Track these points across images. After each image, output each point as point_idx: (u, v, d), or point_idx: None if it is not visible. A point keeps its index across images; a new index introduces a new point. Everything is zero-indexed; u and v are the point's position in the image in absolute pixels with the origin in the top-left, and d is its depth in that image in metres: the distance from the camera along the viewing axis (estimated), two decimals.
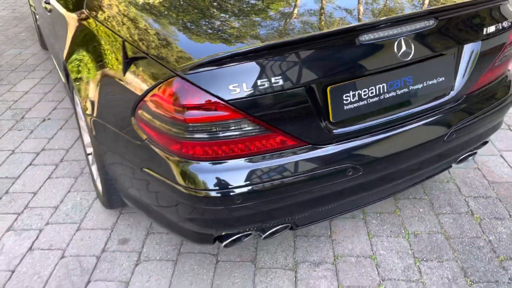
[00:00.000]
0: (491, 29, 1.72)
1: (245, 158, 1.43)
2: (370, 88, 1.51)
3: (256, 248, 2.03)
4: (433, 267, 1.90)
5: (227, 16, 1.60)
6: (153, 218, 1.73)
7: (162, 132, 1.42)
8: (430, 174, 1.88)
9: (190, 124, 1.35)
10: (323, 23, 1.52)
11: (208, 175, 1.41)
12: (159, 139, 1.45)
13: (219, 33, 1.47)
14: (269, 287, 1.84)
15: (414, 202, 2.28)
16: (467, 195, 2.31)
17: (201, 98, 1.33)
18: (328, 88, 1.45)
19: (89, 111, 1.76)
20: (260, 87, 1.35)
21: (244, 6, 1.69)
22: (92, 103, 1.73)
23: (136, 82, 1.48)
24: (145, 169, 1.54)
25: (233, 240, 1.60)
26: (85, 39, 1.80)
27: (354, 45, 1.44)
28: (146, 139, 1.50)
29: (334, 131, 1.50)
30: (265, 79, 1.35)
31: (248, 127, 1.39)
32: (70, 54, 1.92)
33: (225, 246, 1.60)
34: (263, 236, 1.61)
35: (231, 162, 1.42)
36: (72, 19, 2.00)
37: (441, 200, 2.29)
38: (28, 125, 3.10)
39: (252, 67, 1.34)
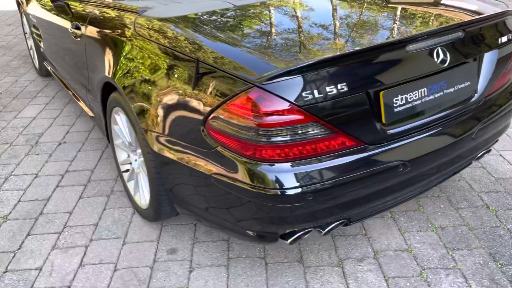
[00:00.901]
0: (504, 39, 1.96)
1: (313, 159, 1.58)
2: (414, 92, 1.71)
3: (300, 249, 2.16)
4: (464, 254, 2.09)
5: (290, 30, 1.77)
6: (212, 223, 1.83)
7: (237, 138, 1.56)
8: (457, 170, 2.09)
9: (268, 129, 1.50)
10: (376, 35, 1.71)
11: (281, 175, 1.55)
12: (233, 145, 1.58)
13: (287, 45, 1.64)
14: (321, 282, 1.97)
15: (434, 199, 2.47)
16: (479, 191, 2.53)
17: (278, 105, 1.48)
18: (381, 93, 1.63)
19: (150, 126, 1.87)
20: (329, 93, 1.51)
21: (306, 20, 1.88)
22: (154, 118, 1.84)
23: (207, 94, 1.61)
24: (215, 175, 1.66)
25: (297, 237, 1.73)
26: (142, 60, 1.92)
27: (403, 55, 1.64)
28: (217, 146, 1.63)
29: (386, 131, 1.68)
30: (333, 86, 1.52)
31: (317, 130, 1.55)
32: (123, 75, 2.02)
33: (290, 243, 1.73)
34: (323, 232, 1.75)
35: (301, 163, 1.56)
36: (119, 41, 2.11)
37: (457, 196, 2.50)
38: (45, 149, 3.13)
39: (321, 75, 1.51)
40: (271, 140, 1.52)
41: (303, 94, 1.49)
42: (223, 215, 1.75)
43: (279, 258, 2.11)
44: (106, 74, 2.19)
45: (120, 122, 2.31)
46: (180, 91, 1.72)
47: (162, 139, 1.84)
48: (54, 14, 3.03)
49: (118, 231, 2.32)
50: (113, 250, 2.19)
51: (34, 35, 3.92)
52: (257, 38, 1.73)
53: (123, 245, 2.22)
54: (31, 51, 4.49)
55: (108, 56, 2.18)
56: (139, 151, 2.20)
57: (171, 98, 1.76)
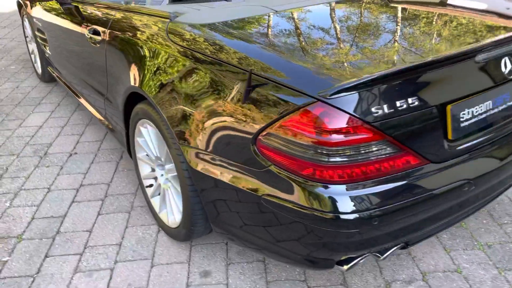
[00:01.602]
0: None
1: (377, 180, 1.44)
2: (480, 105, 1.59)
3: (342, 271, 2.02)
4: None
5: (348, 39, 1.64)
6: (257, 246, 1.69)
7: (294, 157, 1.42)
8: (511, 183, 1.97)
9: (331, 148, 1.36)
10: (443, 44, 1.58)
11: (342, 197, 1.41)
12: (289, 164, 1.44)
13: (348, 55, 1.50)
14: None
15: (475, 215, 2.36)
16: None
17: (345, 122, 1.34)
18: (449, 107, 1.50)
19: (189, 142, 1.72)
20: (399, 108, 1.38)
21: (361, 28, 1.74)
22: (194, 133, 1.69)
23: (259, 109, 1.47)
24: (266, 197, 1.52)
25: (355, 263, 1.59)
26: (179, 71, 1.77)
27: (471, 65, 1.51)
28: (270, 165, 1.48)
29: (452, 148, 1.55)
30: (403, 100, 1.39)
31: (384, 148, 1.41)
32: (155, 85, 1.87)
33: (347, 269, 1.59)
34: (382, 257, 1.62)
35: (364, 184, 1.43)
36: (149, 49, 1.95)
37: (498, 211, 2.38)
38: (55, 161, 2.95)
39: (391, 89, 1.38)
40: (334, 159, 1.38)
41: (372, 109, 1.36)
42: (272, 238, 1.60)
43: (322, 281, 1.97)
44: (133, 83, 2.04)
45: (147, 135, 2.15)
46: (227, 105, 1.57)
47: (203, 156, 1.69)
48: (65, 18, 2.86)
49: (144, 252, 2.15)
50: (141, 273, 2.03)
51: (38, 39, 3.73)
52: (314, 47, 1.59)
53: (152, 267, 2.06)
54: (33, 55, 4.30)
55: (135, 65, 2.02)
56: (168, 166, 2.04)
57: (215, 113, 1.62)
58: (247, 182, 1.57)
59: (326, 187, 1.42)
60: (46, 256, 2.15)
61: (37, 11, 3.51)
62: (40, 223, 2.37)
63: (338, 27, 1.79)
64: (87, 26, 2.52)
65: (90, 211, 2.45)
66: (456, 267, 2.03)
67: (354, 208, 1.41)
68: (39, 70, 4.18)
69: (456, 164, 1.57)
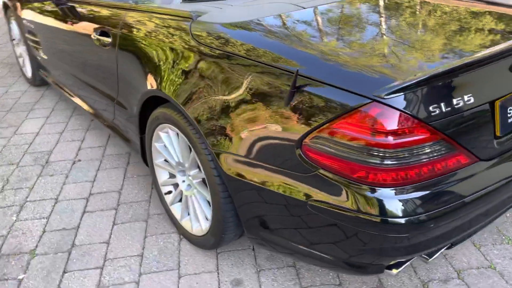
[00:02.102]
0: None
1: (430, 181, 1.40)
2: None
3: (391, 275, 1.97)
4: None
5: (393, 34, 1.59)
6: (297, 253, 1.63)
7: (345, 160, 1.36)
8: None
9: (388, 150, 1.31)
10: (491, 40, 1.54)
11: (398, 201, 1.36)
12: (340, 168, 1.38)
13: (399, 52, 1.44)
14: None
15: None
16: None
17: (403, 122, 1.29)
18: (497, 102, 1.47)
19: (223, 147, 1.64)
20: (454, 106, 1.34)
21: (415, 27, 1.69)
22: (230, 138, 1.61)
23: (306, 112, 1.40)
24: (313, 202, 1.45)
25: (404, 266, 1.55)
26: (209, 73, 1.68)
27: None
28: (317, 170, 1.42)
29: (499, 144, 1.52)
30: (459, 98, 1.34)
31: (440, 148, 1.37)
32: (181, 89, 1.78)
33: (398, 273, 1.55)
34: (430, 259, 1.58)
35: (419, 186, 1.38)
36: (171, 50, 1.86)
37: None
38: (59, 169, 2.82)
39: (448, 87, 1.33)
40: (389, 162, 1.32)
41: (430, 108, 1.31)
42: (317, 244, 1.54)
43: (357, 284, 1.93)
44: (152, 87, 1.94)
45: (167, 140, 2.06)
46: (268, 109, 1.50)
47: (240, 162, 1.62)
48: (63, 19, 2.72)
49: (169, 262, 2.06)
50: (169, 285, 1.94)
51: (29, 42, 3.57)
52: (360, 45, 1.53)
53: (180, 278, 1.97)
54: (21, 59, 4.12)
55: (156, 68, 1.92)
56: (193, 172, 1.96)
57: (254, 116, 1.54)
58: (291, 188, 1.50)
59: (379, 191, 1.36)
60: (64, 272, 2.04)
61: (29, 13, 3.34)
62: (52, 237, 2.25)
63: (381, 23, 1.74)
64: (93, 27, 2.40)
65: (104, 221, 2.34)
66: (489, 263, 2.01)
67: (410, 211, 1.36)
68: (29, 74, 4.01)
69: (504, 160, 1.53)
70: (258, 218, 1.67)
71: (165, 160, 2.20)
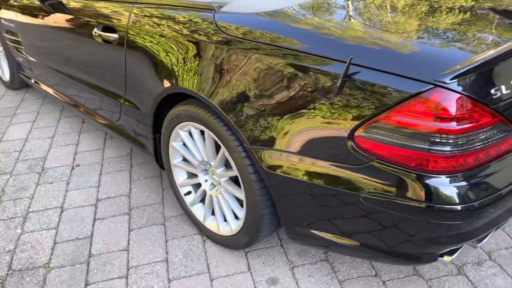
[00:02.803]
0: None
1: (488, 165, 1.38)
2: None
3: (445, 263, 1.96)
4: None
5: (461, 20, 1.55)
6: (344, 248, 1.59)
7: (403, 149, 1.32)
8: None
9: (452, 136, 1.28)
10: None
11: (460, 188, 1.34)
12: (398, 157, 1.34)
13: (460, 36, 1.41)
14: None
15: None
16: None
17: (468, 107, 1.26)
18: None
19: (263, 143, 1.57)
20: None
21: (469, 8, 1.66)
22: (271, 133, 1.55)
23: (358, 101, 1.35)
24: (366, 194, 1.41)
25: (458, 253, 1.53)
26: (243, 66, 1.60)
27: None
28: (371, 161, 1.38)
29: None
30: None
31: (498, 131, 1.35)
32: (210, 84, 1.69)
33: (451, 261, 1.53)
34: (479, 244, 1.57)
35: (475, 172, 1.36)
36: (196, 45, 1.76)
37: None
38: (57, 176, 2.66)
39: (506, 69, 1.31)
40: (451, 148, 1.30)
41: (491, 91, 1.29)
42: (368, 238, 1.51)
43: (394, 274, 1.91)
44: (173, 84, 1.84)
45: (188, 139, 1.97)
46: (312, 100, 1.44)
47: (283, 158, 1.55)
48: (52, 16, 2.56)
49: (197, 265, 1.98)
50: None
51: (8, 42, 3.35)
52: (413, 28, 1.48)
53: (212, 281, 1.90)
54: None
55: (177, 63, 1.82)
56: (220, 170, 1.88)
57: (297, 109, 1.48)
58: (342, 181, 1.45)
59: (438, 178, 1.33)
60: (86, 284, 1.92)
61: (7, 12, 3.13)
62: (65, 248, 2.12)
63: (435, 5, 1.70)
64: (94, 23, 2.26)
65: (119, 228, 2.23)
66: None
67: (471, 197, 1.34)
68: (6, 77, 3.78)
69: None
70: (302, 214, 1.62)
71: (184, 160, 2.11)
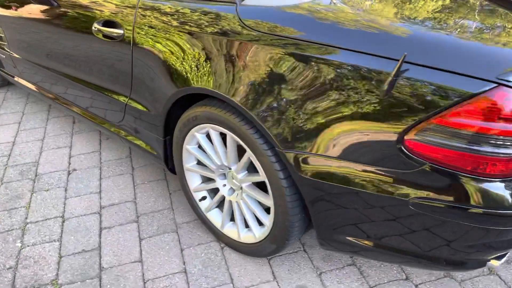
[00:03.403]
0: None
1: None
2: None
3: (493, 268, 1.91)
4: None
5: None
6: (384, 255, 1.51)
7: (462, 151, 1.24)
8: None
9: None
10: None
11: None
12: (453, 161, 1.26)
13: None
14: None
15: None
16: None
17: None
18: None
19: (299, 147, 1.46)
20: None
21: None
22: (306, 137, 1.44)
23: (411, 102, 1.26)
24: (416, 200, 1.33)
25: (506, 257, 1.47)
26: (273, 64, 1.48)
27: None
28: (424, 165, 1.29)
29: None
30: None
31: None
32: (235, 84, 1.56)
33: (500, 264, 1.47)
34: None
35: None
36: (218, 42, 1.62)
37: None
38: (53, 182, 2.49)
39: None
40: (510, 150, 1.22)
41: None
42: (414, 245, 1.43)
43: (425, 277, 1.84)
44: (190, 84, 1.70)
45: (205, 142, 1.84)
46: (358, 100, 1.34)
47: (322, 163, 1.45)
48: (43, 10, 2.37)
49: (218, 276, 1.87)
50: None
51: None
52: (469, 24, 1.39)
53: None
54: None
55: (195, 61, 1.68)
56: (242, 175, 1.76)
57: (338, 109, 1.38)
58: (389, 187, 1.36)
59: (495, 183, 1.26)
60: None
61: None
62: (72, 261, 1.97)
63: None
64: (93, 17, 2.09)
65: (128, 237, 2.08)
66: None
67: None
68: None
69: None
70: (339, 221, 1.52)
71: (199, 164, 1.98)
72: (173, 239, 2.06)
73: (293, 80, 1.45)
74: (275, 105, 1.49)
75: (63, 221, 2.20)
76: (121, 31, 1.96)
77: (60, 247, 2.05)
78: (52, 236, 2.11)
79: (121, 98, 2.14)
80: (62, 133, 2.96)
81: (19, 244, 2.07)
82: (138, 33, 1.89)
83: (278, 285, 1.81)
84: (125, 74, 2.04)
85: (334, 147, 1.41)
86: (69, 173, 2.55)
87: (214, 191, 2.02)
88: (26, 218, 2.23)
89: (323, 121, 1.41)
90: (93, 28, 2.07)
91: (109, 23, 2.03)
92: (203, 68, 1.66)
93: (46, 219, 2.22)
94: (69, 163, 2.64)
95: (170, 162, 2.11)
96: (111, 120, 2.31)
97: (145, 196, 2.35)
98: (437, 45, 1.27)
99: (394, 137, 1.31)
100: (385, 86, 1.29)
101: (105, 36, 2.04)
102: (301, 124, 1.45)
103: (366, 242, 1.52)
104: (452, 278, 1.83)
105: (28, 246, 2.06)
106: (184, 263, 1.94)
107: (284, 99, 1.47)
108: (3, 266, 1.96)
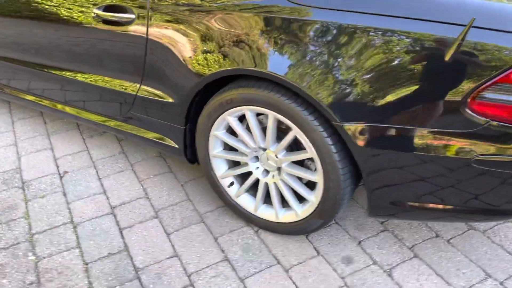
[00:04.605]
0: None
1: None
2: None
3: None
4: None
5: None
6: (446, 217, 1.61)
7: None
8: None
9: None
10: None
11: None
12: None
13: None
14: None
15: None
16: None
17: None
18: None
19: (357, 118, 1.49)
20: None
21: None
22: (369, 107, 1.47)
23: (477, 63, 1.34)
24: (479, 157, 1.42)
25: None
26: (333, 40, 1.48)
27: None
28: (486, 123, 1.38)
29: None
30: None
31: None
32: (288, 64, 1.54)
33: None
34: None
35: None
36: (263, 22, 1.58)
37: None
38: (46, 187, 2.29)
39: None
40: None
41: None
42: (475, 201, 1.53)
43: (453, 232, 1.98)
44: (225, 66, 1.65)
45: (238, 125, 1.80)
46: (421, 67, 1.39)
47: (384, 131, 1.49)
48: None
49: (264, 259, 1.85)
50: (281, 281, 1.75)
51: None
52: None
53: (287, 271, 1.79)
54: None
55: (236, 41, 1.63)
56: (282, 155, 1.76)
57: (400, 76, 1.42)
58: (452, 147, 1.44)
59: None
60: None
61: None
62: (102, 266, 1.84)
63: None
64: (89, 2, 1.93)
65: (154, 234, 1.99)
66: None
67: None
68: None
69: None
70: (400, 188, 1.58)
71: (225, 149, 1.94)
72: (202, 229, 2.01)
73: (351, 51, 1.46)
74: (332, 79, 1.50)
75: (75, 227, 2.04)
76: (131, 16, 1.83)
77: (82, 253, 1.90)
78: (68, 244, 1.95)
79: (129, 89, 2.01)
80: (36, 135, 2.71)
81: (33, 257, 1.89)
82: (156, 16, 1.78)
83: (325, 259, 1.85)
84: (134, 62, 1.92)
85: (397, 115, 1.46)
86: (61, 176, 2.36)
87: (242, 176, 1.99)
88: (29, 229, 2.04)
89: (385, 90, 1.45)
90: (92, 14, 1.92)
91: (111, 8, 1.89)
92: (247, 49, 1.62)
93: (54, 227, 2.04)
94: (57, 166, 2.44)
95: (190, 151, 2.04)
96: (112, 114, 2.17)
97: (156, 190, 2.24)
98: (502, 10, 1.35)
99: (458, 99, 1.38)
100: (451, 51, 1.35)
101: (106, 22, 1.90)
102: (361, 95, 1.47)
103: (424, 204, 1.60)
104: (476, 230, 1.98)
105: (44, 257, 1.89)
106: (223, 251, 1.89)
107: (342, 73, 1.48)
108: (23, 283, 1.78)
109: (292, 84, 1.54)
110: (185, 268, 1.82)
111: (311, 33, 1.51)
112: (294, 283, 1.74)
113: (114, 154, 2.52)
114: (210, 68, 1.70)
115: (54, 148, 2.58)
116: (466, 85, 1.36)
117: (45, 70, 2.27)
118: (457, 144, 1.43)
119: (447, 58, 1.36)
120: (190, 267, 1.83)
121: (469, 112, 1.38)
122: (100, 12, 1.90)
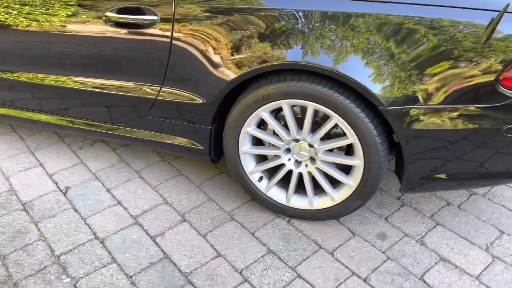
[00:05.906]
0: None
1: None
2: None
3: None
4: None
5: None
6: (476, 183, 1.80)
7: None
8: None
9: None
10: None
11: None
12: None
13: None
14: None
15: None
16: None
17: None
18: None
19: (407, 103, 1.62)
20: None
21: None
22: (414, 91, 1.60)
23: (508, 44, 1.52)
24: (510, 127, 1.62)
25: None
26: (375, 27, 1.58)
27: None
28: None
29: None
30: None
31: None
32: (338, 56, 1.62)
33: None
34: None
35: None
36: (306, 16, 1.63)
37: None
38: (53, 206, 2.15)
39: None
40: None
41: None
42: (501, 166, 1.73)
43: (459, 198, 2.20)
44: (273, 60, 1.69)
45: (272, 120, 1.85)
46: (459, 50, 1.55)
47: (426, 112, 1.63)
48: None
49: (306, 246, 1.92)
50: (328, 263, 1.84)
51: None
52: None
53: (332, 253, 1.89)
54: None
55: (285, 35, 1.67)
56: (318, 144, 1.84)
57: (441, 61, 1.57)
58: (487, 120, 1.62)
59: None
60: None
61: None
62: (147, 277, 1.79)
63: None
64: (101, 7, 1.85)
65: (189, 237, 1.97)
66: None
67: None
68: None
69: None
70: (439, 164, 1.73)
71: (257, 144, 1.97)
72: (236, 226, 2.02)
73: (395, 39, 1.58)
74: (379, 68, 1.60)
75: (102, 242, 1.95)
76: (154, 17, 1.79)
77: (121, 267, 1.83)
78: (102, 260, 1.86)
79: (148, 92, 1.96)
80: (17, 152, 2.51)
81: (68, 279, 1.78)
82: (180, 16, 1.76)
83: (362, 238, 1.96)
84: (155, 64, 1.88)
85: (437, 96, 1.61)
86: (64, 193, 2.22)
87: (269, 170, 2.03)
88: (51, 251, 1.91)
89: (427, 74, 1.58)
90: (104, 17, 1.84)
91: (127, 10, 1.83)
92: (294, 43, 1.66)
93: (78, 246, 1.93)
94: (56, 182, 2.29)
95: (215, 151, 2.04)
96: (124, 121, 2.09)
97: (174, 194, 2.21)
98: None
99: (492, 77, 1.56)
100: (487, 34, 1.52)
101: (120, 25, 1.84)
102: (406, 81, 1.60)
103: (459, 175, 1.77)
104: (477, 195, 2.22)
105: (81, 278, 1.79)
106: (264, 244, 1.93)
107: (389, 62, 1.59)
108: None
109: (343, 76, 1.62)
110: (233, 265, 1.84)
111: (359, 26, 1.60)
112: (343, 264, 1.84)
113: (113, 164, 2.42)
114: (250, 65, 1.73)
115: (44, 164, 2.41)
116: (499, 64, 1.54)
117: (45, 81, 2.12)
118: (490, 116, 1.61)
119: (484, 40, 1.52)
120: (238, 264, 1.84)
121: (502, 87, 1.56)
122: (113, 15, 1.83)
